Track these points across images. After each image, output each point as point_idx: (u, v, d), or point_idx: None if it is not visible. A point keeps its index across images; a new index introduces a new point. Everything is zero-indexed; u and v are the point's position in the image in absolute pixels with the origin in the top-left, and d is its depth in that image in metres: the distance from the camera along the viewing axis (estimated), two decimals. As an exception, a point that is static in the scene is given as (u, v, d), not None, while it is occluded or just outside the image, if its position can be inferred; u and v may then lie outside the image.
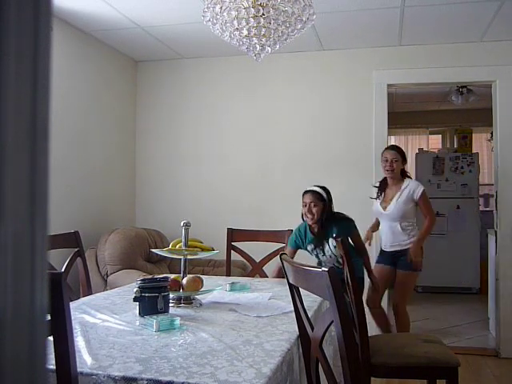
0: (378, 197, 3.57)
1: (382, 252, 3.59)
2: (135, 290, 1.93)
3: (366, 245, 3.39)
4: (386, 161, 3.45)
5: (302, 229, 3.10)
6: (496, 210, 4.10)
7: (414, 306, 5.73)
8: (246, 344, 1.59)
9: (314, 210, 2.96)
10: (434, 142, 7.91)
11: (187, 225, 2.30)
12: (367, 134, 4.19)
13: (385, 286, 3.54)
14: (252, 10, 2.25)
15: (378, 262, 3.57)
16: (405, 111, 7.41)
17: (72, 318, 1.22)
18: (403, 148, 7.25)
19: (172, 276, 2.21)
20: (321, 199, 2.99)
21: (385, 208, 3.47)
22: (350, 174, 4.22)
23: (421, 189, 3.41)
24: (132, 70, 4.72)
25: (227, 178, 4.54)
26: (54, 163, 2.95)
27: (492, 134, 4.54)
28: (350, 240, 2.97)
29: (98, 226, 4.10)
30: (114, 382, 1.30)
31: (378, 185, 3.62)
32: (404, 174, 3.51)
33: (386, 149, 3.58)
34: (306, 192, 3.05)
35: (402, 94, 6.31)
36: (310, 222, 3.00)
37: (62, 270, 2.57)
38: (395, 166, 3.42)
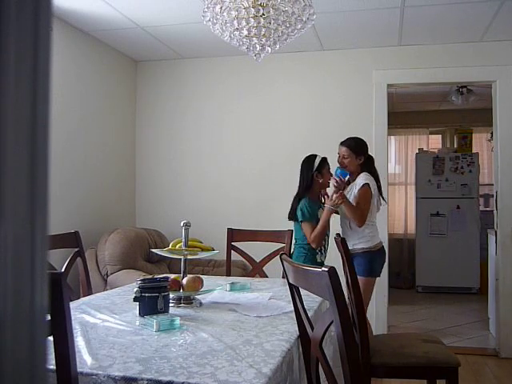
0: None
1: None
2: (135, 290, 1.93)
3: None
4: (339, 156, 3.24)
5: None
6: (496, 209, 4.10)
7: (414, 306, 5.74)
8: (246, 344, 1.59)
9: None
10: (434, 142, 7.90)
11: (187, 225, 2.30)
12: (367, 134, 4.17)
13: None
14: (252, 9, 2.25)
15: None
16: (405, 111, 7.40)
17: (72, 318, 1.22)
18: (403, 148, 7.12)
19: (172, 276, 2.21)
20: None
21: None
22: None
23: (362, 182, 3.07)
24: (132, 70, 4.72)
25: (228, 177, 4.55)
26: (54, 162, 2.95)
27: (492, 133, 4.54)
28: None
29: (98, 226, 4.10)
30: (114, 382, 1.30)
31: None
32: (363, 169, 3.19)
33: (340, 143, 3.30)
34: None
35: (402, 93, 6.30)
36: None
37: (62, 270, 2.57)
38: (346, 162, 3.17)
